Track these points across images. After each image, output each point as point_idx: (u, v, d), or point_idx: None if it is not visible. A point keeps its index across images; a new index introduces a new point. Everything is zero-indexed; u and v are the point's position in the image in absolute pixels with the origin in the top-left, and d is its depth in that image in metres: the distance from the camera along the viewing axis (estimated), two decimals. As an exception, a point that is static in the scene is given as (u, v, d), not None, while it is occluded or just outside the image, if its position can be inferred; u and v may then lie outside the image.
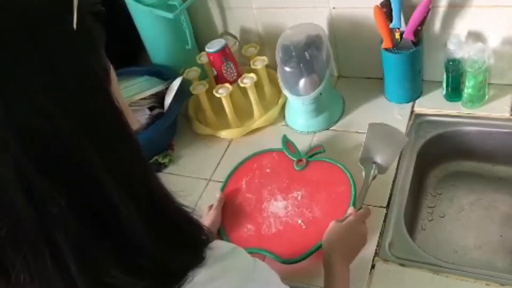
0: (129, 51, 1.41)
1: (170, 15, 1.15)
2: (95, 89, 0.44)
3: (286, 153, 1.06)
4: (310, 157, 1.03)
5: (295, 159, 1.03)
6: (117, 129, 0.45)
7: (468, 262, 0.94)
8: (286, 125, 1.19)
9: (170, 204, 0.51)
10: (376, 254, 0.87)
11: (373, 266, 0.85)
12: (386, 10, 1.02)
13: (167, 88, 1.17)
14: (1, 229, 0.41)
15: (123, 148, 0.46)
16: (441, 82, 1.09)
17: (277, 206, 0.97)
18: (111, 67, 0.49)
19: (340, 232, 0.82)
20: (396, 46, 1.05)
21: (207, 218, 0.97)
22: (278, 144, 1.10)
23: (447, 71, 1.05)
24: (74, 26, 0.42)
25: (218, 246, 0.53)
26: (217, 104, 1.19)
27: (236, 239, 0.94)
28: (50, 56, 0.41)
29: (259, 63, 1.19)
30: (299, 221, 0.93)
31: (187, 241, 0.51)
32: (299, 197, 0.97)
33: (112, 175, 0.44)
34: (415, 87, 1.12)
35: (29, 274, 0.42)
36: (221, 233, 0.96)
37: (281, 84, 1.11)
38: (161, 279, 0.47)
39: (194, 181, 1.13)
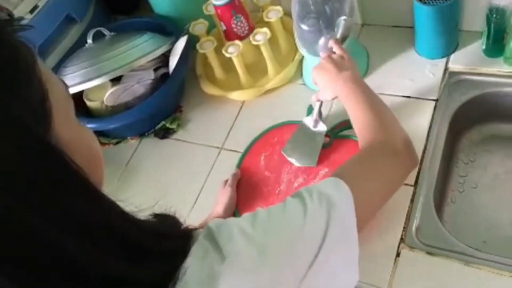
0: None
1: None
2: (21, 137, 0.35)
3: None
4: (336, 133, 0.92)
5: None
6: (59, 183, 0.36)
7: (502, 241, 0.87)
8: (304, 83, 1.08)
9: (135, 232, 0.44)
10: (401, 240, 0.80)
11: (398, 254, 0.79)
12: (420, -47, 0.87)
13: (171, 48, 1.06)
14: None
15: (72, 203, 0.37)
16: (481, 33, 0.96)
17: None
18: (63, 89, 0.40)
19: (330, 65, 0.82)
20: (431, -4, 0.91)
21: (222, 195, 0.90)
22: (296, 107, 1.00)
23: (488, 22, 0.91)
24: None
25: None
26: (227, 61, 1.08)
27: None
28: None
29: (273, 14, 1.06)
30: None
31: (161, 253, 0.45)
32: (323, 180, 0.88)
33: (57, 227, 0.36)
34: (451, 40, 0.99)
35: None
36: (235, 216, 0.90)
37: (297, 42, 0.98)
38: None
39: (205, 150, 1.05)
